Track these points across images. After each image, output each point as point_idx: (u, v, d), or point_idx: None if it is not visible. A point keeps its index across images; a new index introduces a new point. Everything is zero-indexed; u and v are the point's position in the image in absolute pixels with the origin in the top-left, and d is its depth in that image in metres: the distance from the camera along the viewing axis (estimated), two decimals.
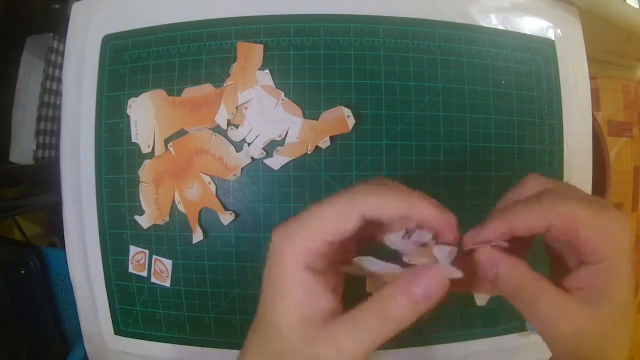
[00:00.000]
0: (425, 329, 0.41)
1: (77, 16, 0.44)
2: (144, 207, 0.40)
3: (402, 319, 0.19)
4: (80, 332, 0.44)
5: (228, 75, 0.39)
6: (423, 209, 0.20)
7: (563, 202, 0.20)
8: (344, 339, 0.19)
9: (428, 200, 0.20)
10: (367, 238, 0.23)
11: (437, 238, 0.21)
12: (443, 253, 0.20)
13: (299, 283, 0.20)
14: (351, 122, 0.38)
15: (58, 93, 0.56)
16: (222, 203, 0.39)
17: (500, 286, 0.20)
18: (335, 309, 0.20)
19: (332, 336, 0.19)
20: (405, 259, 0.22)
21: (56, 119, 0.56)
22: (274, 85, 0.39)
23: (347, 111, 0.38)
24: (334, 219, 0.20)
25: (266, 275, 0.21)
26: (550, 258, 0.23)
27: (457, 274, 0.19)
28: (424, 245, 0.21)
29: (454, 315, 0.41)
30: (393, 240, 0.22)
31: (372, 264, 0.21)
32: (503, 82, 0.41)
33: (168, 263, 0.40)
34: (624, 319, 0.20)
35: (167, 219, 0.40)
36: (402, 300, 0.19)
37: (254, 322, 0.22)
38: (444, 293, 0.19)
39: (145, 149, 0.40)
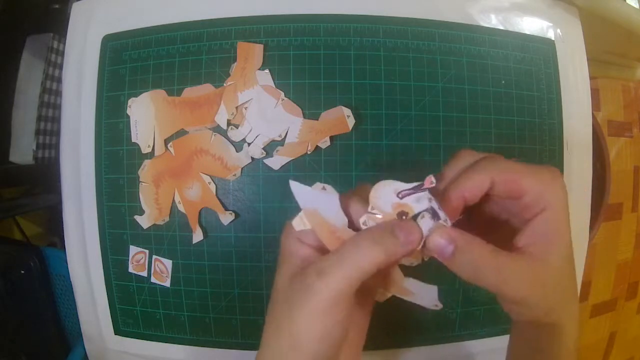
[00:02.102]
0: (425, 329, 0.41)
1: (77, 16, 0.44)
2: (144, 207, 0.40)
3: (386, 251, 0.20)
4: (80, 332, 0.44)
5: (228, 75, 0.39)
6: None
7: (502, 160, 0.22)
8: (326, 261, 0.20)
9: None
10: None
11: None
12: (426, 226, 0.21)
13: (293, 249, 0.22)
14: (351, 122, 0.38)
15: (58, 93, 0.56)
16: (222, 203, 0.39)
17: (459, 265, 0.21)
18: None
19: (315, 264, 0.21)
20: (362, 220, 0.22)
21: (56, 119, 0.56)
22: (274, 85, 0.39)
23: (347, 111, 0.38)
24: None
25: (294, 298, 0.21)
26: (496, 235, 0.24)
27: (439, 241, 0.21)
28: (402, 215, 0.21)
29: (454, 315, 0.41)
30: (383, 190, 0.22)
31: (329, 200, 0.22)
32: (503, 82, 0.41)
33: (168, 263, 0.40)
34: (571, 259, 0.22)
35: (167, 219, 0.40)
36: (387, 235, 0.21)
37: (269, 322, 0.23)
38: (418, 242, 0.21)
39: (145, 149, 0.40)
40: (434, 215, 0.21)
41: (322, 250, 0.22)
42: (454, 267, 0.21)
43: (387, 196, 0.22)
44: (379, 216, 0.22)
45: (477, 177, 0.21)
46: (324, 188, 0.22)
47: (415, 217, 0.21)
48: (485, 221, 0.25)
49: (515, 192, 0.21)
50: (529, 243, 0.21)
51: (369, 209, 0.22)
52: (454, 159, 0.24)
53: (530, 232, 0.21)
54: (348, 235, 0.22)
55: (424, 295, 0.23)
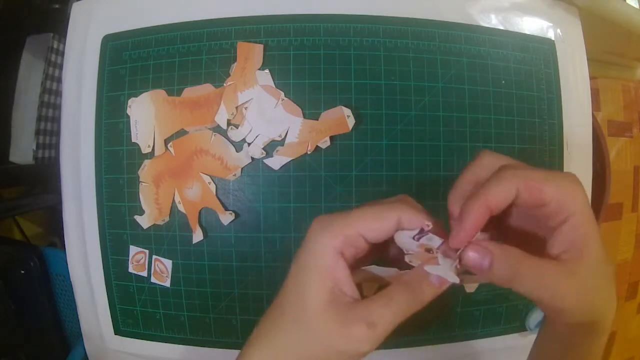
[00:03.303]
0: (425, 329, 0.41)
1: (77, 16, 0.44)
2: (144, 207, 0.40)
3: (426, 297, 0.22)
4: (80, 332, 0.44)
5: (228, 75, 0.39)
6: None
7: (522, 170, 0.22)
8: (376, 312, 0.21)
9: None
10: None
11: (443, 248, 0.22)
12: (446, 264, 0.22)
13: (329, 265, 0.22)
14: (351, 122, 0.38)
15: (58, 93, 0.56)
16: (222, 203, 0.39)
17: (497, 272, 0.21)
18: (358, 298, 0.22)
19: (363, 313, 0.21)
20: (407, 259, 0.23)
21: (56, 119, 0.56)
22: (274, 85, 0.39)
23: (347, 111, 0.38)
24: (373, 217, 0.22)
25: (299, 258, 0.23)
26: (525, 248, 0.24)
27: (456, 279, 0.22)
28: (429, 250, 0.22)
29: (454, 315, 0.41)
30: (403, 238, 0.23)
31: (374, 270, 0.24)
32: (503, 82, 0.41)
33: (168, 263, 0.40)
34: (606, 261, 0.22)
35: (167, 219, 0.40)
36: (424, 284, 0.22)
37: (267, 312, 0.24)
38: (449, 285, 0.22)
39: (145, 149, 0.40)
40: (445, 253, 0.22)
41: (354, 268, 0.23)
42: (493, 277, 0.21)
43: (408, 241, 0.23)
44: (415, 253, 0.23)
45: (502, 187, 0.21)
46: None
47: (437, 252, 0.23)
48: (513, 235, 0.25)
49: (538, 201, 0.21)
50: (562, 251, 0.21)
51: (405, 251, 0.23)
52: (476, 162, 0.24)
53: (560, 241, 0.21)
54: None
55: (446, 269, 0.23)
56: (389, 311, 0.21)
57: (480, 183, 0.22)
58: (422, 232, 0.22)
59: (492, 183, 0.22)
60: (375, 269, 0.24)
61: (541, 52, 0.43)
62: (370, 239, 0.22)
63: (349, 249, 0.22)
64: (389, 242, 0.24)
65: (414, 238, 0.22)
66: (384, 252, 0.26)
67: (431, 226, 0.22)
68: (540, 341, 0.27)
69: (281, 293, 0.24)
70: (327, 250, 0.22)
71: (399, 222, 0.22)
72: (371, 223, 0.22)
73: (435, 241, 0.22)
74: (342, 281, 0.22)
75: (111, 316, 0.42)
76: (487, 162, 0.24)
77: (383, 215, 0.22)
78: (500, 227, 0.24)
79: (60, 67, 0.50)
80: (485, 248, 0.21)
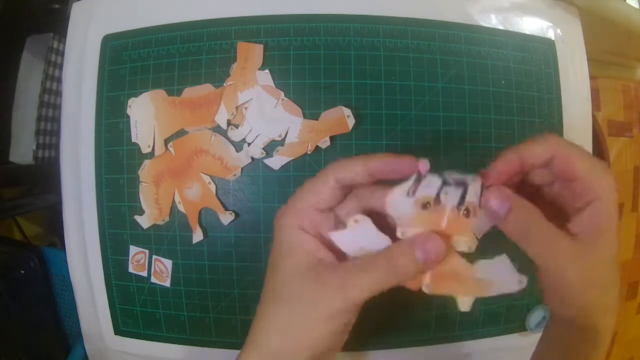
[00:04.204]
0: (425, 329, 0.41)
1: (77, 16, 0.44)
2: (144, 207, 0.40)
3: (404, 272, 0.21)
4: (80, 332, 0.44)
5: (228, 75, 0.39)
6: (382, 160, 0.22)
7: (562, 140, 0.22)
8: (351, 277, 0.21)
9: (386, 154, 0.23)
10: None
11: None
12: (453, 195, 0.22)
13: (296, 240, 0.23)
14: (351, 122, 0.38)
15: (58, 93, 0.56)
16: (222, 203, 0.39)
17: (511, 224, 0.21)
18: (335, 261, 0.23)
19: (337, 275, 0.22)
20: (399, 233, 0.22)
21: (56, 119, 0.56)
22: (274, 85, 0.39)
23: (347, 111, 0.38)
24: (314, 188, 0.23)
25: (272, 245, 0.24)
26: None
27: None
28: (425, 206, 0.22)
29: (454, 315, 0.41)
30: (395, 199, 0.22)
31: (365, 229, 0.23)
32: (503, 82, 0.41)
33: (168, 263, 0.40)
34: (615, 262, 0.22)
35: (167, 219, 0.40)
36: (408, 257, 0.21)
37: (262, 295, 0.25)
38: (439, 259, 0.21)
39: (145, 149, 0.40)
40: (457, 183, 0.22)
41: (324, 241, 0.23)
42: (506, 228, 0.21)
43: (401, 202, 0.22)
44: (408, 219, 0.22)
45: (539, 146, 0.22)
46: (356, 220, 0.23)
47: (438, 199, 0.22)
48: (539, 206, 0.25)
49: (569, 174, 0.22)
50: (581, 231, 0.21)
51: (397, 222, 0.22)
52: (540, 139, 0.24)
53: (583, 220, 0.22)
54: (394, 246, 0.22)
55: (502, 276, 0.22)
56: (362, 280, 0.21)
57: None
58: (419, 178, 0.22)
59: (531, 141, 0.23)
60: (366, 229, 0.23)
61: (541, 52, 0.43)
62: (322, 205, 0.23)
63: (307, 221, 0.23)
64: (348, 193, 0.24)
65: (408, 194, 0.22)
66: None
67: (428, 165, 0.22)
68: (543, 340, 0.27)
69: (263, 290, 0.24)
70: (289, 230, 0.23)
71: (335, 178, 0.23)
72: (312, 193, 0.23)
73: (435, 181, 0.22)
74: (316, 250, 0.23)
75: (111, 316, 0.42)
76: (553, 140, 0.24)
77: (319, 183, 0.23)
78: (529, 197, 0.24)
79: (60, 67, 0.50)
80: (507, 195, 0.21)
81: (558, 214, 0.24)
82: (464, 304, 0.23)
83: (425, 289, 0.22)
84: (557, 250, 0.21)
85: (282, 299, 0.23)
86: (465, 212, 0.22)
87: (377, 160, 0.22)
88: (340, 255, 0.23)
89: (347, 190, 0.24)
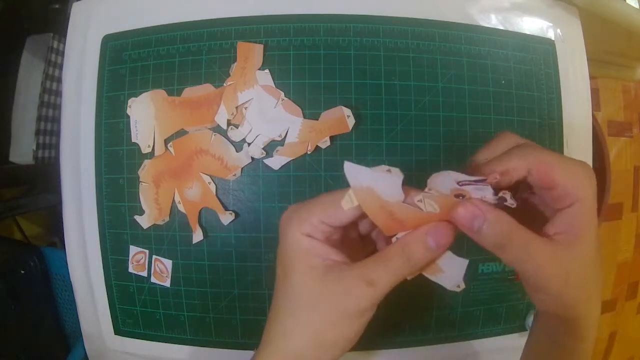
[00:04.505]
0: (425, 329, 0.41)
1: (77, 16, 0.44)
2: (144, 207, 0.40)
3: (419, 260, 0.22)
4: (80, 332, 0.44)
5: (228, 75, 0.39)
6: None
7: (538, 150, 0.22)
8: (374, 271, 0.22)
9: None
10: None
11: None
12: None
13: (305, 246, 0.23)
14: (351, 122, 0.38)
15: (58, 93, 0.56)
16: (222, 203, 0.39)
17: (485, 237, 0.21)
18: (350, 262, 0.23)
19: (360, 272, 0.22)
20: (417, 198, 0.22)
21: (56, 119, 0.56)
22: (274, 85, 0.39)
23: (347, 111, 0.38)
24: (334, 209, 0.22)
25: (278, 251, 0.24)
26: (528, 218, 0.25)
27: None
28: (458, 196, 0.22)
29: (454, 315, 0.41)
30: (442, 177, 0.22)
31: (390, 180, 0.22)
32: (503, 82, 0.41)
33: (168, 263, 0.40)
34: (597, 259, 0.22)
35: (167, 219, 0.40)
36: (420, 245, 0.22)
37: (272, 303, 0.24)
38: (449, 243, 0.22)
39: (145, 149, 0.40)
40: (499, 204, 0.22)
41: (331, 243, 0.23)
42: (481, 239, 0.21)
43: (446, 182, 0.22)
44: (435, 194, 0.22)
45: (514, 162, 0.22)
46: (389, 170, 0.22)
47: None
48: (522, 212, 0.25)
49: (547, 183, 0.22)
50: (557, 232, 0.22)
51: (426, 189, 0.22)
52: (495, 141, 0.25)
53: (559, 222, 0.22)
54: (399, 209, 0.22)
55: (450, 272, 0.23)
56: (386, 271, 0.22)
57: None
58: (479, 182, 0.22)
59: (504, 158, 0.22)
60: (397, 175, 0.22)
61: (541, 52, 0.43)
62: (334, 224, 0.23)
63: (317, 233, 0.23)
64: (362, 219, 0.24)
65: (459, 183, 0.22)
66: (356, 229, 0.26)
67: (498, 179, 0.22)
68: (531, 335, 0.27)
69: (276, 292, 0.24)
70: (298, 237, 0.23)
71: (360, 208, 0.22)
72: (331, 212, 0.22)
73: (488, 191, 0.21)
74: (327, 254, 0.23)
75: (111, 316, 0.42)
76: (506, 140, 0.24)
77: (337, 203, 0.22)
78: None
79: (60, 67, 0.50)
80: (479, 209, 0.21)
81: (534, 216, 0.24)
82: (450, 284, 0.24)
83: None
84: (533, 254, 0.21)
85: (301, 302, 0.23)
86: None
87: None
88: (351, 255, 0.23)
89: None
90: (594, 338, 0.23)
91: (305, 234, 0.23)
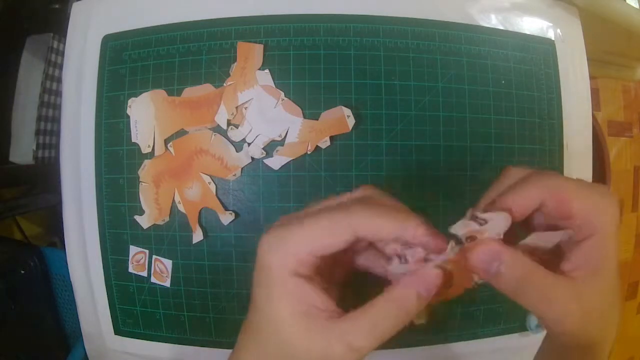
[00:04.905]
0: (425, 329, 0.41)
1: (77, 16, 0.44)
2: (144, 207, 0.40)
3: (409, 314, 0.20)
4: (80, 332, 0.44)
5: (228, 75, 0.39)
6: (417, 236, 0.20)
7: (552, 178, 0.20)
8: (356, 334, 0.20)
9: (422, 226, 0.20)
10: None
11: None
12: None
13: (289, 288, 0.20)
14: (351, 122, 0.38)
15: (58, 93, 0.56)
16: (222, 203, 0.39)
17: (503, 280, 0.20)
18: (334, 310, 0.20)
19: (342, 332, 0.20)
20: (392, 269, 0.22)
21: (56, 119, 0.56)
22: (274, 85, 0.39)
23: (347, 111, 0.38)
24: (325, 234, 0.20)
25: (256, 278, 0.21)
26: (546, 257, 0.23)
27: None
28: (425, 260, 0.21)
29: (454, 315, 0.41)
30: (396, 270, 0.22)
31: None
32: (503, 82, 0.41)
33: (168, 263, 0.40)
34: (616, 286, 0.21)
35: (167, 219, 0.40)
36: (410, 298, 0.20)
37: (245, 324, 0.22)
38: (438, 288, 0.20)
39: (145, 149, 0.40)
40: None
41: (320, 283, 0.21)
42: (498, 284, 0.20)
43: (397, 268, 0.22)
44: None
45: (527, 193, 0.20)
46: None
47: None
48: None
49: (565, 214, 0.20)
50: (574, 268, 0.20)
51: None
52: (500, 180, 0.23)
53: (576, 257, 0.20)
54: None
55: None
56: (371, 333, 0.20)
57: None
58: (400, 256, 0.21)
59: (517, 189, 0.21)
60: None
61: (541, 52, 0.43)
62: (328, 254, 0.20)
63: (304, 268, 0.20)
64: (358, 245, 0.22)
65: (401, 263, 0.21)
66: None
67: (399, 247, 0.21)
68: (541, 354, 0.26)
69: (250, 314, 0.22)
70: (282, 277, 0.20)
71: (355, 235, 0.20)
72: (323, 242, 0.20)
73: (418, 253, 0.21)
74: (310, 299, 0.20)
75: (111, 316, 0.42)
76: (513, 175, 0.22)
77: (333, 231, 0.20)
78: (519, 231, 0.23)
79: (60, 67, 0.50)
80: (496, 251, 0.19)
81: (552, 250, 0.23)
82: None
83: (478, 282, 0.22)
84: (554, 300, 0.20)
85: (279, 339, 0.20)
86: (469, 239, 0.21)
87: (418, 237, 0.20)
88: (337, 296, 0.22)
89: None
90: (607, 357, 0.22)
91: (291, 272, 0.20)
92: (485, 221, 0.20)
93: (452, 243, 0.21)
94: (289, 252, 0.20)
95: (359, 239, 0.20)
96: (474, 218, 0.21)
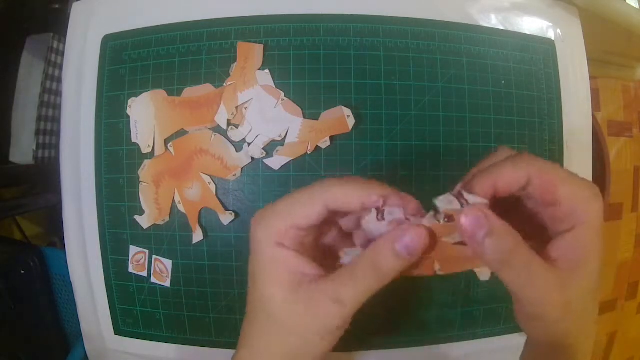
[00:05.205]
0: (425, 329, 0.41)
1: (77, 16, 0.44)
2: (144, 207, 0.40)
3: (390, 271, 0.20)
4: (80, 332, 0.44)
5: (228, 75, 0.39)
6: (381, 195, 0.21)
7: (542, 161, 0.20)
8: (342, 289, 0.20)
9: (385, 187, 0.21)
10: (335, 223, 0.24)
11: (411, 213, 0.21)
12: (427, 221, 0.21)
13: (275, 257, 0.21)
14: (351, 122, 0.38)
15: (58, 93, 0.56)
16: (222, 203, 0.39)
17: (488, 249, 0.19)
18: (321, 273, 0.22)
19: (328, 290, 0.21)
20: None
21: (56, 119, 0.56)
22: (274, 85, 0.39)
23: (347, 111, 0.38)
24: (299, 207, 0.21)
25: (250, 262, 0.23)
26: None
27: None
28: (401, 223, 0.21)
29: (454, 315, 0.41)
30: (370, 225, 0.22)
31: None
32: (503, 82, 0.41)
33: (168, 263, 0.40)
34: (597, 287, 0.21)
35: (167, 219, 0.40)
36: (388, 254, 0.20)
37: (246, 315, 0.24)
38: (424, 247, 0.20)
39: (145, 149, 0.40)
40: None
41: (304, 249, 0.22)
42: (483, 254, 0.19)
43: (377, 227, 0.21)
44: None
45: (514, 168, 0.20)
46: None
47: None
48: (520, 225, 0.23)
49: (550, 199, 0.20)
50: (559, 256, 0.20)
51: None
52: (493, 155, 0.23)
53: (560, 246, 0.20)
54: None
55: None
56: (355, 290, 0.20)
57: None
58: (379, 212, 0.21)
59: (506, 163, 0.21)
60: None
61: (541, 52, 0.43)
62: (305, 226, 0.21)
63: (287, 239, 0.22)
64: (343, 216, 0.23)
65: (378, 220, 0.21)
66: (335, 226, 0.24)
67: (381, 201, 0.21)
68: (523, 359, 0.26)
69: (248, 298, 0.23)
70: (267, 247, 0.22)
71: (326, 205, 0.21)
72: (298, 215, 0.21)
73: (396, 213, 0.21)
74: (297, 267, 0.21)
75: (111, 316, 0.42)
76: (505, 153, 0.23)
77: (306, 203, 0.21)
78: (506, 216, 0.23)
79: (60, 67, 0.50)
80: (486, 216, 0.19)
81: (538, 230, 0.23)
82: (483, 274, 0.22)
83: (438, 272, 0.22)
84: (535, 279, 0.19)
85: (271, 318, 0.22)
86: (446, 218, 0.20)
87: (380, 196, 0.21)
88: (324, 263, 0.22)
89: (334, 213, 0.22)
90: (589, 357, 0.22)
91: (274, 243, 0.21)
92: (468, 203, 0.20)
93: (431, 212, 0.21)
94: (271, 225, 0.22)
95: (331, 210, 0.21)
96: (459, 196, 0.21)
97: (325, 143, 0.38)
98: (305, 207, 0.21)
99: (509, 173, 0.20)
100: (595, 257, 0.20)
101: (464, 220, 0.19)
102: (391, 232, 0.20)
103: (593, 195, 0.20)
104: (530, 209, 0.23)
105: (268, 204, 0.23)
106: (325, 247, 0.25)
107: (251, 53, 0.39)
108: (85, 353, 0.45)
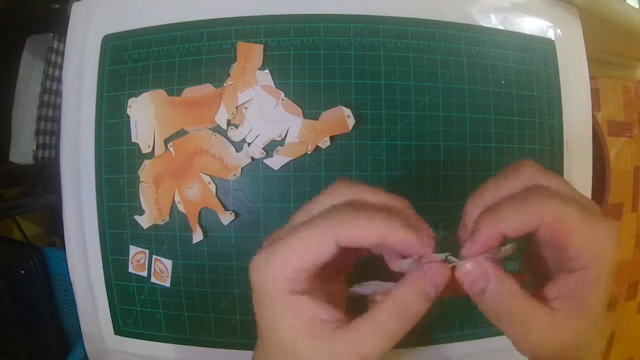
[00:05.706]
0: (425, 329, 0.41)
1: (77, 16, 0.44)
2: (144, 207, 0.40)
3: (417, 314, 0.20)
4: (80, 332, 0.44)
5: (228, 75, 0.39)
6: (399, 238, 0.19)
7: (555, 202, 0.19)
8: (367, 342, 0.19)
9: (404, 226, 0.19)
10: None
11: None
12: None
13: (290, 305, 0.20)
14: (351, 122, 0.38)
15: (58, 93, 0.56)
16: (222, 203, 0.39)
17: (486, 299, 0.19)
18: (341, 318, 0.20)
19: (349, 341, 0.19)
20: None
21: (56, 119, 0.56)
22: (274, 85, 0.39)
23: (347, 111, 0.38)
24: (308, 249, 0.19)
25: (255, 301, 0.21)
26: (530, 264, 0.23)
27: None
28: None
29: (454, 315, 0.41)
30: (403, 266, 0.21)
31: (380, 287, 0.21)
32: (503, 82, 0.41)
33: (168, 263, 0.40)
34: (598, 331, 0.20)
35: (167, 219, 0.40)
36: (415, 297, 0.19)
37: (256, 347, 0.22)
38: (446, 281, 0.20)
39: (145, 149, 0.40)
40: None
41: (320, 295, 0.21)
42: (481, 304, 0.20)
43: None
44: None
45: (523, 214, 0.19)
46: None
47: None
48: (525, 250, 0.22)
49: (560, 245, 0.19)
50: (556, 297, 0.20)
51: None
52: (513, 170, 0.21)
53: (562, 286, 0.20)
54: None
55: None
56: (379, 339, 0.19)
57: (506, 196, 0.20)
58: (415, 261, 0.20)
59: (514, 205, 0.19)
60: (381, 286, 0.21)
61: (541, 52, 0.43)
62: (315, 268, 0.20)
63: (299, 284, 0.20)
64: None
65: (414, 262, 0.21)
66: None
67: (405, 264, 0.20)
68: None
69: (260, 332, 0.22)
70: (277, 297, 0.20)
71: (337, 243, 0.19)
72: (307, 257, 0.19)
73: (414, 264, 0.20)
74: (314, 313, 0.20)
75: (111, 316, 0.42)
76: (527, 173, 0.21)
77: (316, 244, 0.19)
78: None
79: (60, 67, 0.50)
80: (484, 270, 0.19)
81: (536, 261, 0.22)
82: (506, 250, 0.21)
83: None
84: (533, 330, 0.19)
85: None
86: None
87: (401, 238, 0.19)
88: (341, 306, 0.21)
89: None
90: None
91: (288, 292, 0.20)
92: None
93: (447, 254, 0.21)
94: (278, 272, 0.20)
95: (343, 247, 0.20)
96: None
97: (325, 143, 0.38)
98: (314, 249, 0.19)
99: (517, 219, 0.19)
100: (597, 302, 0.19)
101: (463, 272, 0.20)
102: (409, 276, 0.20)
103: (606, 237, 0.19)
104: (532, 244, 0.22)
105: (267, 239, 0.21)
106: (324, 274, 0.23)
107: (251, 53, 0.39)
108: (85, 353, 0.45)
